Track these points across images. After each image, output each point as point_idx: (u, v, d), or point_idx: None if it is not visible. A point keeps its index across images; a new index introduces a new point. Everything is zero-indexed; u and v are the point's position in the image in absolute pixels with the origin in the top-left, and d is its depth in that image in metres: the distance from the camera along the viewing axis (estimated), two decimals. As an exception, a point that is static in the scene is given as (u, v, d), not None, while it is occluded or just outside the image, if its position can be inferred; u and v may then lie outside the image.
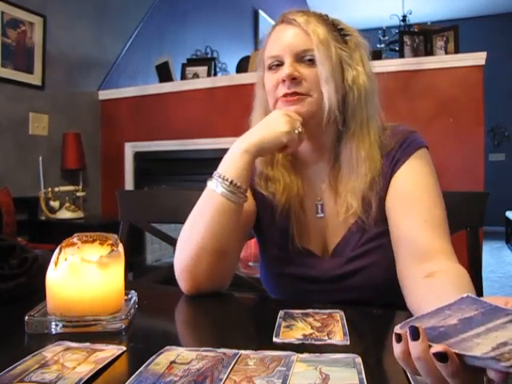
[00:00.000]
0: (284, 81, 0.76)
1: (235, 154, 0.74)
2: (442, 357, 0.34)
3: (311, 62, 0.76)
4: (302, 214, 0.83)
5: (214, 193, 0.73)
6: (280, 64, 0.78)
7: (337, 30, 0.80)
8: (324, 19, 0.79)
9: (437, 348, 0.35)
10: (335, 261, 0.80)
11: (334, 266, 0.80)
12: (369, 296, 0.78)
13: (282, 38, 0.78)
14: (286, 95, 0.76)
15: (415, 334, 0.36)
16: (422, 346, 0.35)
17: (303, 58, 0.76)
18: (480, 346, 0.34)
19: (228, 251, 0.76)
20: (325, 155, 0.83)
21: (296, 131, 0.75)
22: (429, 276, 0.64)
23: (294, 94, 0.76)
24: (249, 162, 0.74)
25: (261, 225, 0.87)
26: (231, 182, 0.72)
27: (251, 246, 2.68)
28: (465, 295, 0.37)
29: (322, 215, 0.83)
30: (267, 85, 0.81)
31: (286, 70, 0.75)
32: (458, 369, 0.34)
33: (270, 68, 0.80)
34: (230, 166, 0.73)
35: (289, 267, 0.83)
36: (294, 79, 0.75)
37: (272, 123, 0.75)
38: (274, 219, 0.83)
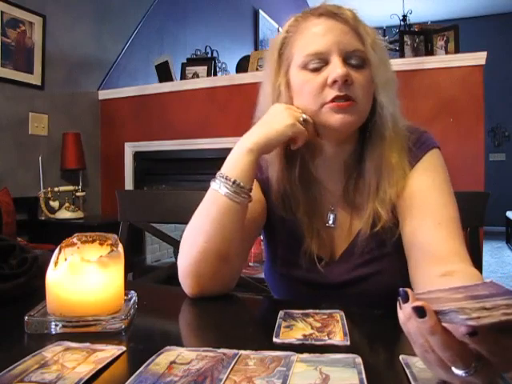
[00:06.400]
0: (334, 82, 0.68)
1: (239, 154, 0.71)
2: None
3: (358, 65, 0.70)
4: (314, 220, 0.80)
5: (217, 193, 0.70)
6: (322, 63, 0.70)
7: None
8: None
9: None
10: (342, 266, 0.79)
11: (341, 271, 0.79)
12: (376, 303, 0.75)
13: (329, 34, 0.69)
14: (337, 98, 0.68)
15: (421, 312, 0.35)
16: (431, 321, 0.35)
17: (351, 59, 0.70)
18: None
19: (232, 254, 0.73)
20: (345, 163, 0.78)
21: (301, 118, 0.71)
22: (446, 275, 0.62)
23: (346, 97, 0.68)
24: (253, 161, 0.70)
25: (270, 224, 0.85)
26: (234, 182, 0.69)
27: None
28: (488, 280, 0.35)
29: (332, 225, 0.80)
30: (306, 88, 0.71)
31: (338, 70, 0.67)
32: (437, 325, 0.35)
33: (305, 66, 0.71)
34: (234, 166, 0.70)
35: (296, 270, 0.81)
36: (346, 81, 0.68)
37: (274, 118, 0.71)
38: (285, 221, 0.81)
